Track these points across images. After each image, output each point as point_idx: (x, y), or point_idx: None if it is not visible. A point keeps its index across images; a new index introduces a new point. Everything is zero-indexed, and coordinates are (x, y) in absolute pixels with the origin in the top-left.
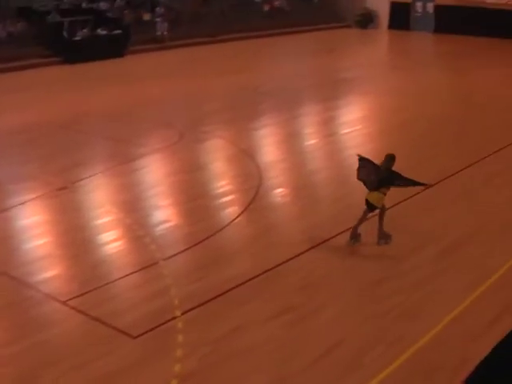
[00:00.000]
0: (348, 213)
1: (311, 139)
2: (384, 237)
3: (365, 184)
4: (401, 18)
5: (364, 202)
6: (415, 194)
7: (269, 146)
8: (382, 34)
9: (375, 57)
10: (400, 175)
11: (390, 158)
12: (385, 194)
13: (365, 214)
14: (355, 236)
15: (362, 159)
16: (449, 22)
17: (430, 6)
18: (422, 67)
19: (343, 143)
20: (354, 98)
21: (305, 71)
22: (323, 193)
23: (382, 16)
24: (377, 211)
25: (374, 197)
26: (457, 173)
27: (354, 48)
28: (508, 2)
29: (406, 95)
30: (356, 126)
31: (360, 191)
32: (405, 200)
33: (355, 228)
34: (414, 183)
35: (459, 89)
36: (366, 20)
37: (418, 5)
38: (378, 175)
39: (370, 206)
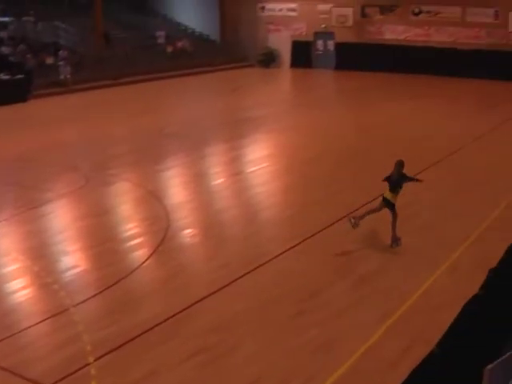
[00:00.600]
0: (256, 251)
1: (218, 178)
2: (395, 240)
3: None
4: (303, 56)
5: None
6: (328, 226)
7: (176, 186)
8: (285, 73)
9: (279, 95)
10: (406, 176)
11: (400, 164)
12: (398, 194)
13: (379, 208)
14: (357, 223)
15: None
16: (349, 59)
17: (331, 44)
18: (325, 104)
19: (250, 181)
20: (259, 136)
21: (209, 111)
22: (231, 231)
23: (284, 55)
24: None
25: (390, 196)
26: (363, 206)
27: (257, 87)
28: (406, 37)
29: (311, 132)
30: (262, 164)
31: (267, 229)
32: (319, 231)
33: (363, 216)
34: (414, 180)
35: (362, 123)
36: (269, 59)
37: (319, 43)
38: (392, 180)
39: (387, 202)
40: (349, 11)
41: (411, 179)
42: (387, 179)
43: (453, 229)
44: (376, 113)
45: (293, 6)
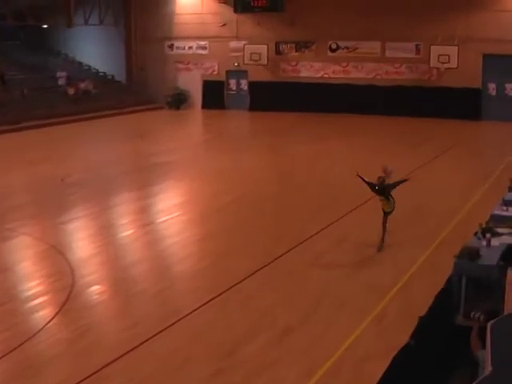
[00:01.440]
0: (169, 307)
1: (126, 230)
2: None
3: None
4: (215, 97)
5: None
6: (247, 276)
7: (81, 240)
8: (196, 114)
9: (190, 138)
10: (388, 185)
11: (382, 180)
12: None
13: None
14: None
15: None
16: (264, 99)
17: (244, 83)
18: (239, 147)
19: (161, 232)
20: (171, 183)
21: (116, 158)
22: (142, 287)
23: (195, 95)
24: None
25: (385, 204)
26: (283, 255)
27: (167, 130)
28: (323, 75)
29: (225, 177)
30: (174, 213)
31: (181, 283)
32: (238, 283)
33: (383, 237)
34: (398, 182)
35: (279, 167)
36: (179, 100)
37: (232, 82)
38: (374, 189)
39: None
40: (263, 48)
41: (395, 184)
42: (376, 187)
43: (380, 275)
44: (293, 155)
45: (203, 43)
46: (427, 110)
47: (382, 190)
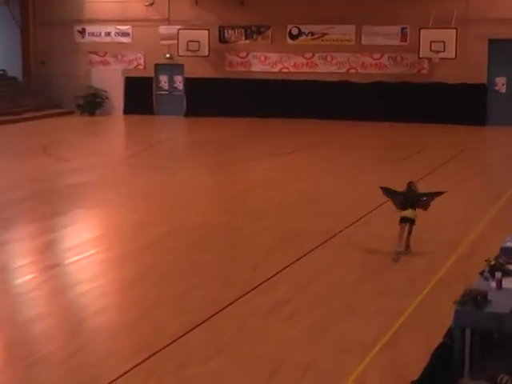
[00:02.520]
0: (84, 375)
1: (25, 274)
2: (400, 254)
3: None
4: (141, 99)
5: None
6: (186, 333)
7: None
8: (117, 122)
9: (109, 153)
10: (421, 193)
11: (413, 185)
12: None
13: (401, 231)
14: (398, 256)
15: (383, 190)
16: (205, 101)
17: (179, 81)
18: (172, 164)
19: (71, 276)
20: (84, 211)
21: (11, 179)
22: (47, 350)
23: (114, 97)
24: None
25: (411, 213)
26: (232, 303)
27: (78, 143)
28: (282, 69)
29: (155, 203)
30: (88, 251)
31: (99, 343)
32: (174, 341)
33: (399, 246)
34: (436, 194)
35: (226, 189)
36: (93, 103)
37: (163, 79)
38: (405, 198)
39: (407, 220)
40: (203, 35)
41: (432, 195)
42: (402, 197)
43: (358, 329)
44: (245, 174)
45: (124, 28)
46: (417, 114)
47: (412, 200)
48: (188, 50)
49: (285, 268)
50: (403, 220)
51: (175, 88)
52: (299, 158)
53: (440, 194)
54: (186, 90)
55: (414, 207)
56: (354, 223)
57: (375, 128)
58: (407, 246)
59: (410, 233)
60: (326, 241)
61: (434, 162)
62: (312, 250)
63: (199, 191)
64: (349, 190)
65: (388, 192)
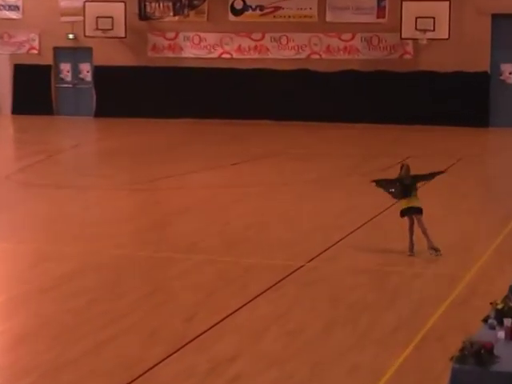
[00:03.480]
0: None
1: None
2: (434, 247)
3: (393, 195)
4: (35, 94)
5: None
6: None
7: None
8: (3, 124)
9: None
10: (420, 175)
11: (406, 168)
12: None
13: (410, 224)
14: (412, 248)
15: (377, 182)
16: (122, 97)
17: (87, 70)
18: (81, 180)
19: None
20: None
21: None
22: None
23: (0, 91)
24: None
25: (414, 201)
26: (159, 363)
27: None
28: (221, 55)
29: (59, 232)
30: None
31: None
32: None
33: (411, 241)
34: (434, 174)
35: (150, 214)
36: None
37: (65, 68)
38: (401, 184)
39: (414, 210)
40: (117, 9)
41: (431, 175)
42: (399, 184)
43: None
44: (173, 192)
45: (12, 0)
46: (400, 113)
47: (411, 185)
48: (98, 29)
49: (229, 316)
50: (408, 211)
51: (81, 80)
52: (247, 171)
53: (439, 173)
54: (95, 83)
55: (415, 193)
56: (318, 255)
57: (346, 131)
58: (431, 247)
59: (424, 228)
60: (283, 279)
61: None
62: (264, 291)
63: (115, 216)
64: (311, 212)
65: (382, 183)
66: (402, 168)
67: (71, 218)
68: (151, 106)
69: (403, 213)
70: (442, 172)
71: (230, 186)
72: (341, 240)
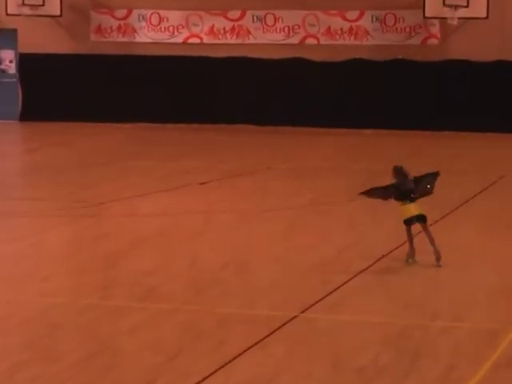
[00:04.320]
0: None
1: None
2: (439, 256)
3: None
4: None
5: None
6: None
7: None
8: None
9: None
10: (420, 176)
11: (399, 169)
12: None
13: (409, 235)
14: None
15: (368, 193)
16: (56, 95)
17: (9, 59)
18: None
19: None
20: None
21: None
22: None
23: None
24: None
25: (415, 208)
26: None
27: None
28: (189, 39)
29: None
30: None
31: None
32: None
33: (412, 250)
34: (434, 175)
35: (91, 247)
36: None
37: None
38: (402, 190)
39: (418, 219)
40: None
41: (431, 177)
42: (396, 190)
43: None
44: (122, 220)
45: None
46: (422, 116)
47: (408, 190)
48: (24, 4)
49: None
50: (410, 221)
51: (2, 72)
52: (219, 193)
53: (436, 174)
54: (21, 76)
55: (413, 199)
56: (315, 303)
57: (350, 139)
58: (438, 257)
59: (432, 237)
60: (269, 335)
61: (449, 198)
62: (245, 350)
63: (47, 251)
64: (305, 246)
65: (373, 193)
66: (395, 171)
67: None
68: (94, 106)
69: (411, 221)
70: (437, 173)
71: (197, 211)
72: (345, 283)
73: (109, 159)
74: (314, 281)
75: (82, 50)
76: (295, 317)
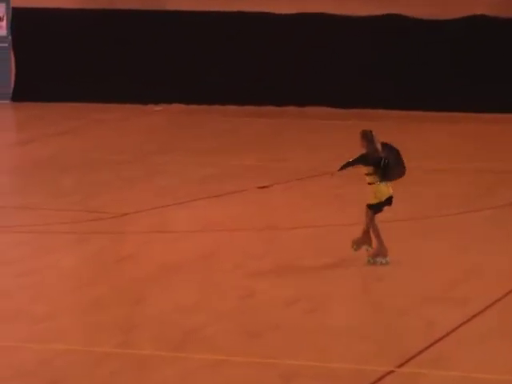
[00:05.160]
0: None
1: None
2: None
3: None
4: None
5: None
6: None
7: None
8: None
9: None
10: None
11: (368, 135)
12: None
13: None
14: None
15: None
16: (59, 66)
17: None
18: None
19: None
20: None
21: None
22: None
23: None
24: None
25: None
26: None
27: None
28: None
29: None
30: None
31: None
32: None
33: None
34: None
35: (110, 272)
36: None
37: None
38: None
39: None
40: None
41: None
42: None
43: None
44: (155, 235)
45: None
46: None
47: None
48: None
49: None
50: (380, 205)
51: None
52: (284, 200)
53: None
54: (15, 40)
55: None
56: (416, 355)
57: (451, 127)
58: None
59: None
60: None
61: None
62: None
63: (48, 281)
64: (399, 278)
65: (351, 164)
66: (365, 137)
67: None
68: (109, 81)
69: (382, 205)
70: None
71: (253, 226)
72: (457, 328)
73: (129, 154)
74: (413, 325)
75: (95, 4)
76: (390, 372)
